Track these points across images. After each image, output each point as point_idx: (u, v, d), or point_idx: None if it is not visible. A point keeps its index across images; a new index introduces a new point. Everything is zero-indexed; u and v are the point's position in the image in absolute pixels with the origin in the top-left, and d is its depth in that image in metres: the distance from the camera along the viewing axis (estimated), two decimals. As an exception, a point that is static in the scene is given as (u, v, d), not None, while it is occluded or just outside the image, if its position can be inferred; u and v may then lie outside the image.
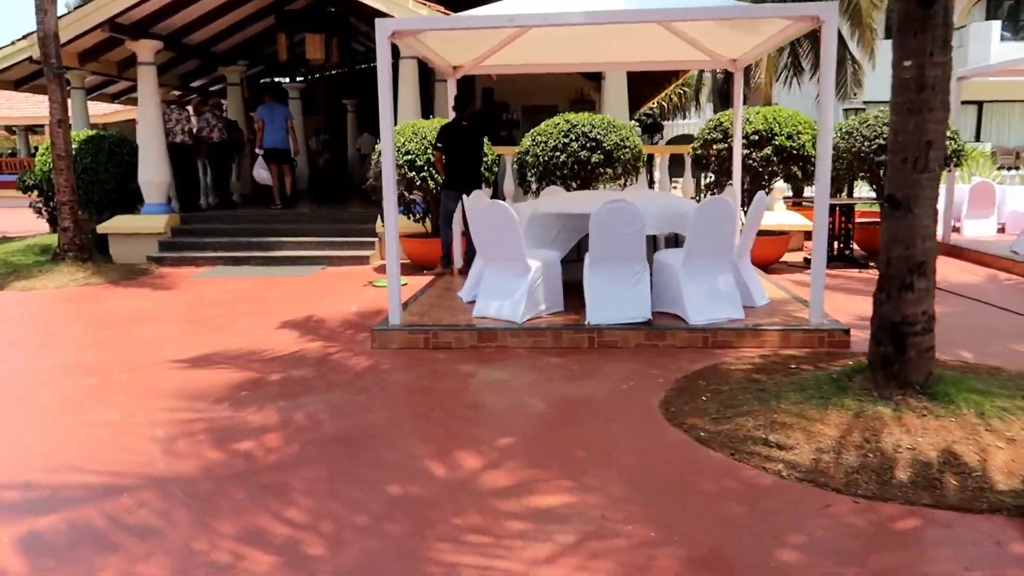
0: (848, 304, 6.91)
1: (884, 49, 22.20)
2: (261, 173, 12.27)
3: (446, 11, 9.54)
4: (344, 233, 11.07)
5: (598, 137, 8.86)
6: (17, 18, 66.41)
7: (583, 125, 8.96)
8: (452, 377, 5.10)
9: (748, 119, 8.96)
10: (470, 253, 8.48)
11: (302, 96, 17.12)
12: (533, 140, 9.17)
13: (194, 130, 11.92)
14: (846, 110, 14.45)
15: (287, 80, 17.45)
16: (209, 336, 6.42)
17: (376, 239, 10.80)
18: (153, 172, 11.24)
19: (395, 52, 12.80)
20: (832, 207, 9.00)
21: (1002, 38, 22.90)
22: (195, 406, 4.60)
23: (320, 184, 17.34)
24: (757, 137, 8.81)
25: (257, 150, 12.31)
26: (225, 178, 12.63)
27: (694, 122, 33.43)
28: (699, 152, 9.48)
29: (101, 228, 11.18)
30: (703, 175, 9.77)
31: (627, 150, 9.01)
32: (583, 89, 20.30)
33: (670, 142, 25.75)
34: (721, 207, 5.72)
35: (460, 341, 5.77)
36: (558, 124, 9.09)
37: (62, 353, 5.99)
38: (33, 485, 3.55)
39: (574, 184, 9.06)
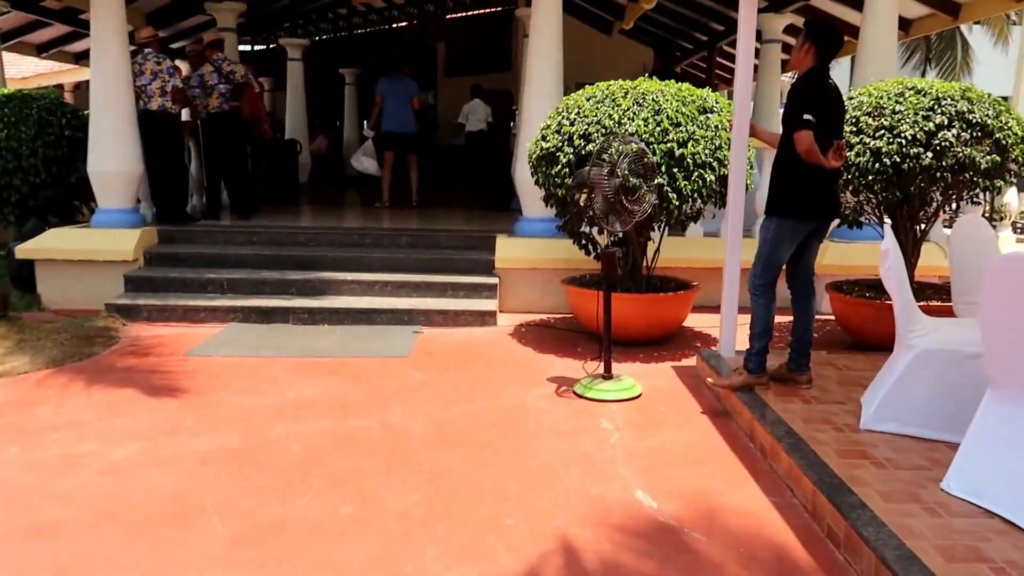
0: None
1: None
2: (363, 161, 9.64)
3: None
4: (438, 267, 6.78)
5: (985, 121, 4.80)
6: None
7: (954, 99, 4.87)
8: None
9: None
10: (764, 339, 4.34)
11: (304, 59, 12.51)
12: (855, 124, 4.99)
13: (184, 90, 7.46)
14: None
15: (291, 36, 12.85)
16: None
17: (496, 279, 6.56)
18: (114, 157, 6.76)
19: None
20: None
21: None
22: None
23: (323, 178, 12.98)
24: None
25: (366, 132, 10.14)
26: (238, 172, 8.13)
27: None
28: None
29: (22, 251, 6.64)
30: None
31: (1024, 147, 4.97)
32: (647, 64, 16.34)
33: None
34: None
35: None
36: (904, 95, 4.96)
37: None
38: None
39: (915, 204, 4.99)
